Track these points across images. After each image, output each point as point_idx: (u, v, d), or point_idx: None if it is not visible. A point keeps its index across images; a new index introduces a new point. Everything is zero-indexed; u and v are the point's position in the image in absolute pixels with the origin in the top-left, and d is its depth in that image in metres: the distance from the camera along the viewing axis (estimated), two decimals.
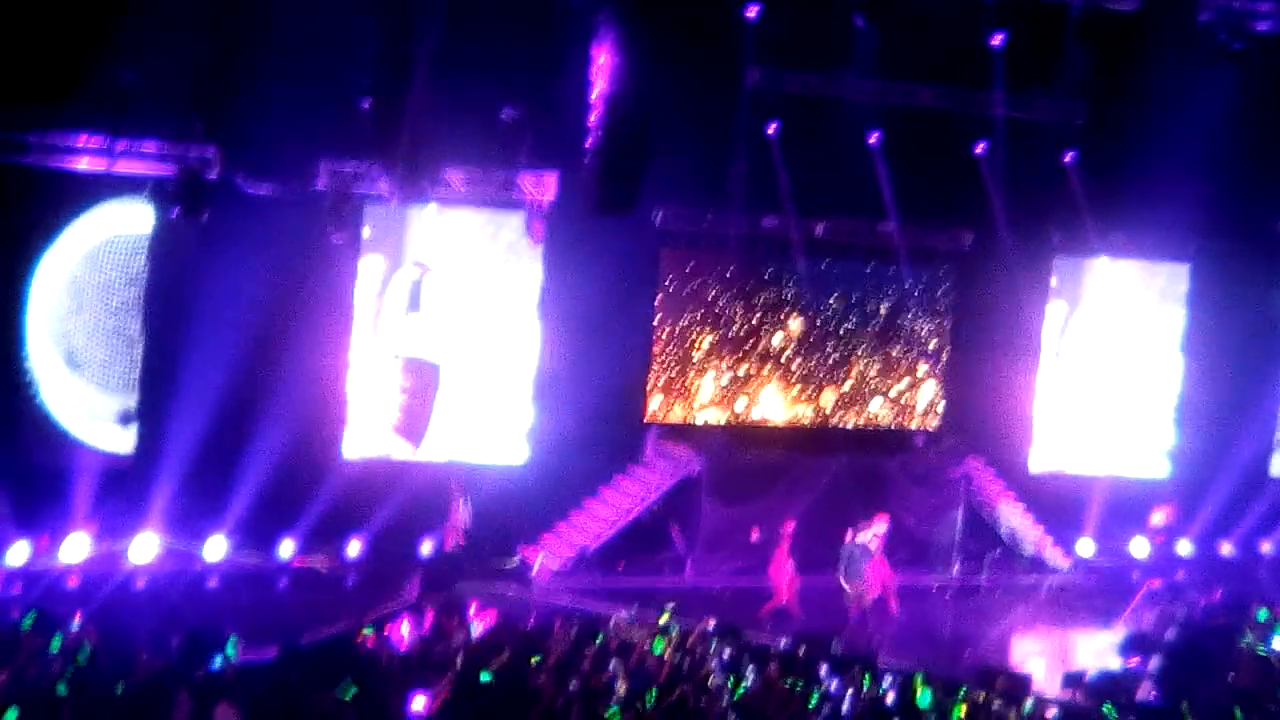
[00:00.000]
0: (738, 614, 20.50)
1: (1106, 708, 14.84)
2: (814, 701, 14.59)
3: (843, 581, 21.25)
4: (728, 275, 26.24)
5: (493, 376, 24.61)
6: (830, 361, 26.93)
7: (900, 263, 26.79)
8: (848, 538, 21.49)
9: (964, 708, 14.56)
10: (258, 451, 22.41)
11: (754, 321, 26.45)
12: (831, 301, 26.82)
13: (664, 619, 18.04)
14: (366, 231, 23.65)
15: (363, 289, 23.82)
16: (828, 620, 20.66)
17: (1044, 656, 21.49)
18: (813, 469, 24.79)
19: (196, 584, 21.77)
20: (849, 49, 24.45)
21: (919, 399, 27.60)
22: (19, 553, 20.82)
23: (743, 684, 15.02)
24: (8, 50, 20.39)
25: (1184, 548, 27.11)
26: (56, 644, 14.46)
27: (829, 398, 27.03)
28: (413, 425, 23.70)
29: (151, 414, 22.51)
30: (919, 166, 25.27)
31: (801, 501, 23.52)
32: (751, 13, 23.52)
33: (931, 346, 27.51)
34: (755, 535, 22.34)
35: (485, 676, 14.22)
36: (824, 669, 15.82)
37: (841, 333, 26.94)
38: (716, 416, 26.44)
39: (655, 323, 25.95)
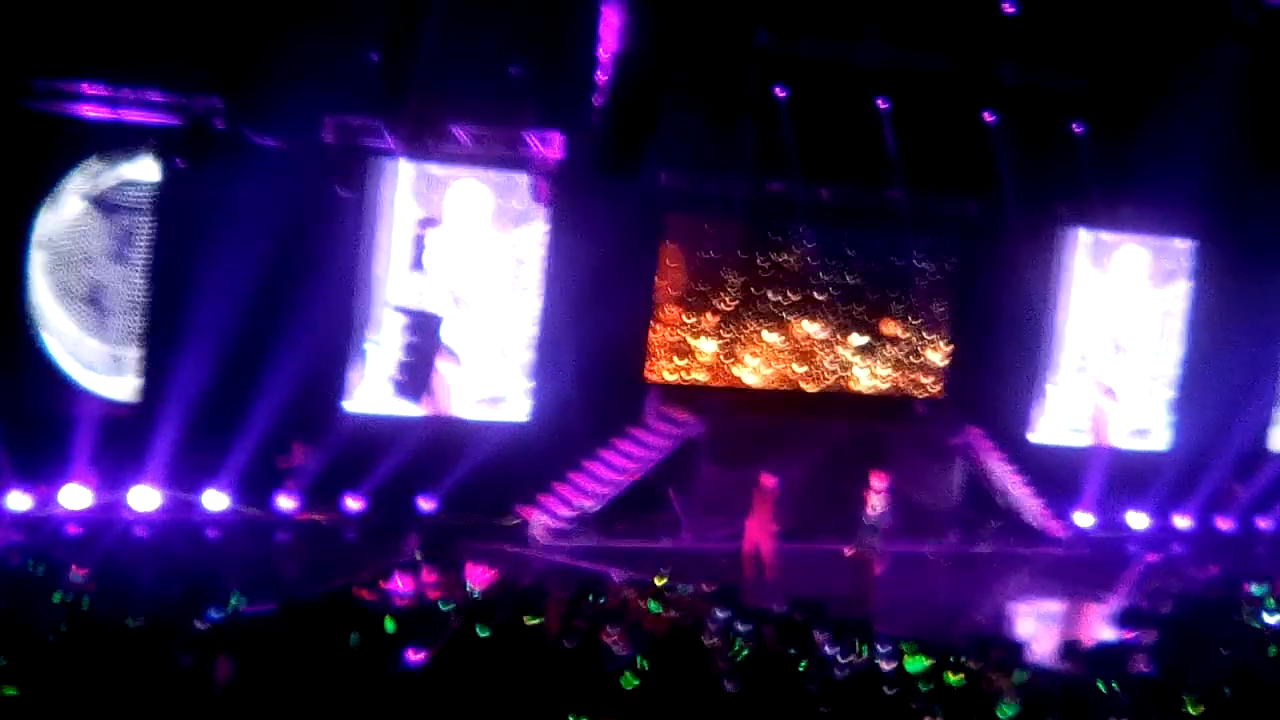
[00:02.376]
0: (735, 577, 20.57)
1: (1099, 682, 14.83)
2: (803, 666, 14.61)
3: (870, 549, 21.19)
4: (733, 239, 26.21)
5: (494, 336, 24.61)
6: (833, 327, 26.93)
7: (906, 230, 26.74)
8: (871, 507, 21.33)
9: (957, 676, 14.56)
10: (260, 403, 22.43)
11: (757, 286, 26.43)
12: (836, 267, 26.79)
13: (661, 581, 18.07)
14: (371, 187, 23.60)
15: (367, 244, 23.79)
16: (823, 587, 20.67)
17: (1039, 627, 21.56)
18: (813, 434, 24.81)
19: (197, 534, 21.87)
20: (859, 14, 24.34)
21: (921, 366, 27.60)
22: (19, 500, 20.87)
23: (742, 649, 15.04)
24: None
25: (1181, 521, 27.18)
26: (57, 597, 14.49)
27: (830, 363, 27.03)
28: (414, 380, 23.71)
29: (154, 364, 22.53)
30: (927, 133, 25.20)
31: (801, 467, 23.52)
32: None
33: (934, 314, 27.50)
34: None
35: (483, 633, 14.26)
36: (819, 635, 15.85)
37: (845, 298, 26.93)
38: (718, 380, 26.45)
39: (658, 285, 25.93)
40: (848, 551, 21.14)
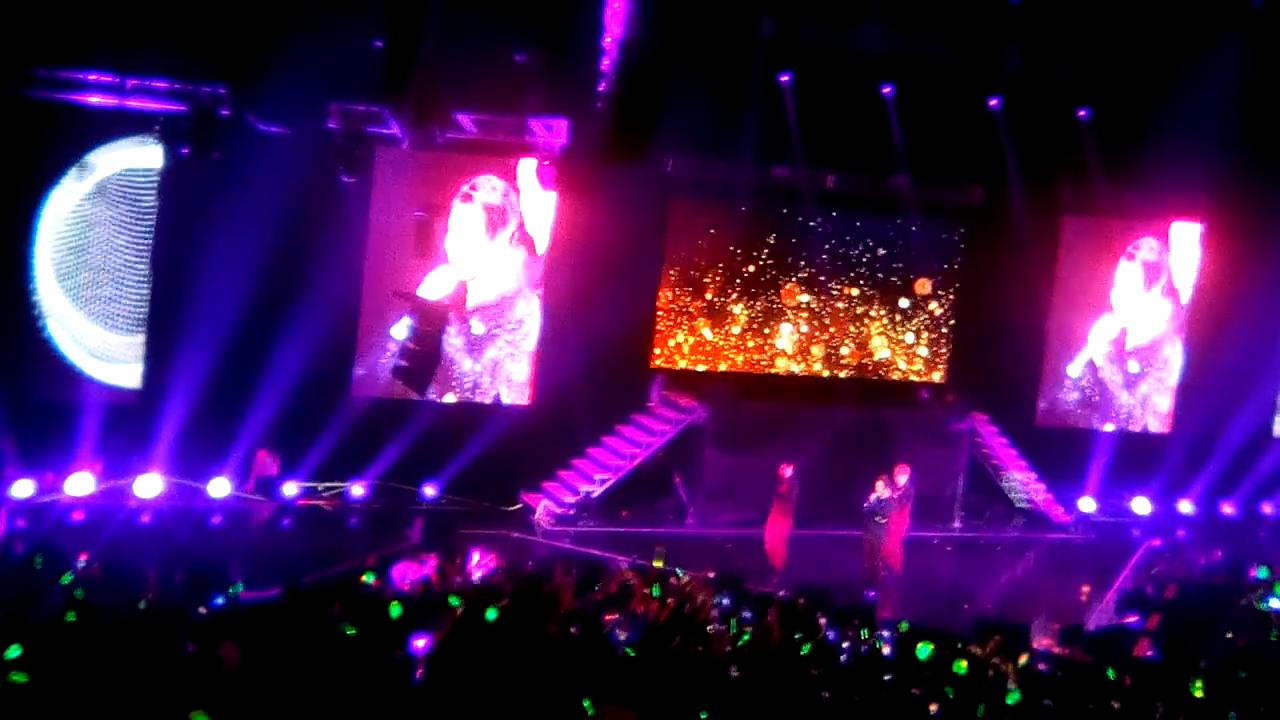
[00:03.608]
0: (739, 563, 20.61)
1: (1109, 670, 14.88)
2: (806, 650, 14.66)
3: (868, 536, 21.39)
4: (737, 225, 26.20)
5: (499, 321, 24.62)
6: (837, 313, 26.93)
7: (910, 216, 26.74)
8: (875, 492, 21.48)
9: (962, 662, 14.60)
10: (265, 390, 22.46)
11: (761, 272, 26.43)
12: (840, 254, 26.79)
13: (658, 562, 18.13)
14: (376, 173, 23.61)
15: (372, 231, 23.80)
16: (829, 573, 20.74)
17: (1043, 612, 21.55)
18: (817, 420, 24.83)
19: (201, 521, 21.92)
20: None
21: (925, 352, 27.60)
22: (24, 487, 20.92)
23: (744, 633, 15.09)
24: None
25: (1185, 506, 27.20)
26: (66, 579, 14.55)
27: (834, 349, 27.04)
28: (419, 367, 23.75)
29: (158, 351, 22.56)
30: (931, 120, 25.19)
31: (806, 452, 23.55)
32: None
33: (939, 301, 27.49)
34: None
35: (491, 614, 14.32)
36: (823, 620, 15.91)
37: (849, 285, 26.93)
38: (722, 366, 26.47)
39: (662, 270, 25.93)
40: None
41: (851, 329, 27.05)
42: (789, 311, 26.61)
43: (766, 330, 26.54)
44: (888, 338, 27.27)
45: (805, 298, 26.67)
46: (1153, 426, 28.84)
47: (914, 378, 27.57)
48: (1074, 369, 28.28)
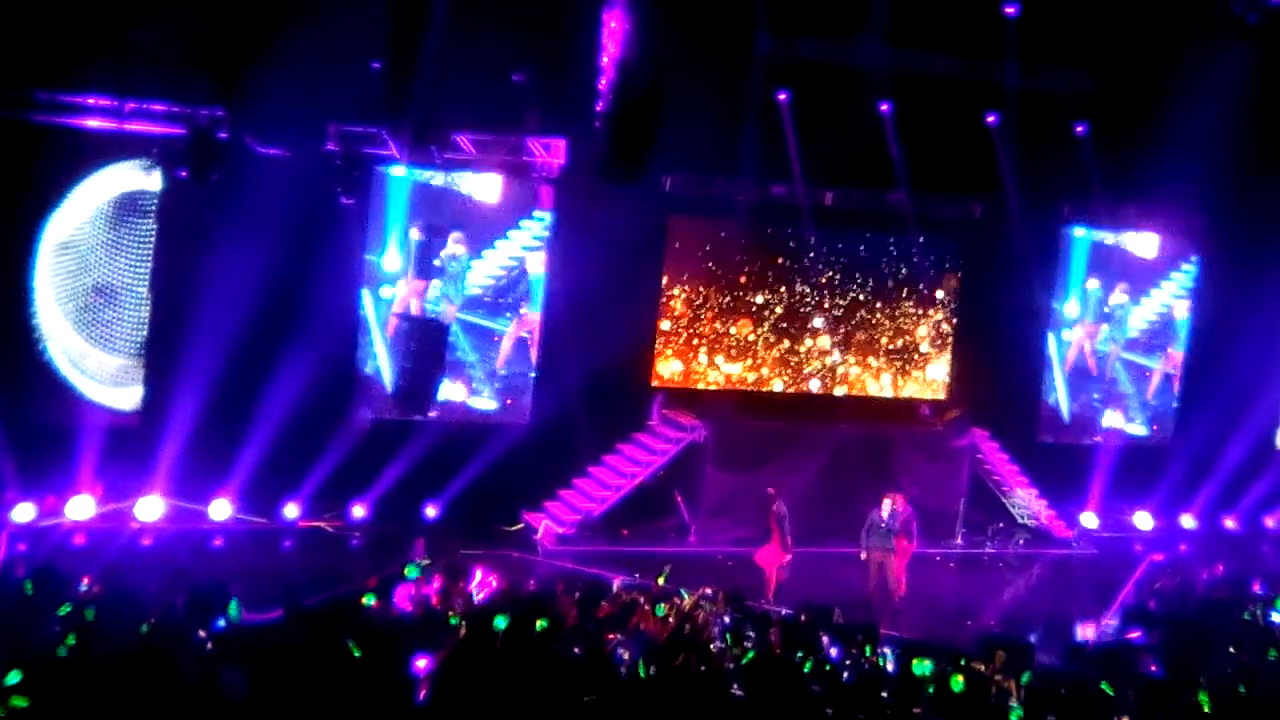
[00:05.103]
0: (741, 581, 20.57)
1: (1104, 685, 14.84)
2: (808, 668, 14.62)
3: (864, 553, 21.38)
4: (736, 243, 26.20)
5: (499, 341, 24.62)
6: (837, 330, 26.91)
7: (909, 232, 26.74)
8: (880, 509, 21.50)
9: (962, 678, 14.56)
10: (265, 412, 22.46)
11: (761, 289, 26.41)
12: (839, 270, 26.78)
13: (661, 579, 18.09)
14: (375, 194, 23.61)
15: (371, 252, 23.80)
16: (828, 591, 20.70)
17: (1045, 628, 21.55)
18: (818, 437, 24.84)
19: (202, 544, 21.89)
20: (862, 16, 24.30)
21: (925, 368, 27.58)
22: (24, 511, 20.89)
23: (748, 652, 15.06)
24: (18, 7, 20.41)
25: (1188, 521, 27.16)
26: (65, 609, 14.51)
27: (835, 366, 27.02)
28: (418, 388, 23.71)
29: (158, 374, 22.55)
30: (930, 136, 25.17)
31: (807, 470, 23.54)
32: None
33: (939, 316, 27.48)
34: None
35: (500, 622, 14.27)
36: (825, 638, 15.87)
37: (849, 301, 26.92)
38: (722, 383, 26.45)
39: (662, 289, 25.93)
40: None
41: (850, 345, 27.02)
42: (785, 327, 26.59)
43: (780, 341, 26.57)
44: (886, 355, 27.28)
45: (803, 314, 26.67)
46: (1154, 441, 28.78)
47: (914, 394, 27.51)
48: (1072, 382, 28.25)
